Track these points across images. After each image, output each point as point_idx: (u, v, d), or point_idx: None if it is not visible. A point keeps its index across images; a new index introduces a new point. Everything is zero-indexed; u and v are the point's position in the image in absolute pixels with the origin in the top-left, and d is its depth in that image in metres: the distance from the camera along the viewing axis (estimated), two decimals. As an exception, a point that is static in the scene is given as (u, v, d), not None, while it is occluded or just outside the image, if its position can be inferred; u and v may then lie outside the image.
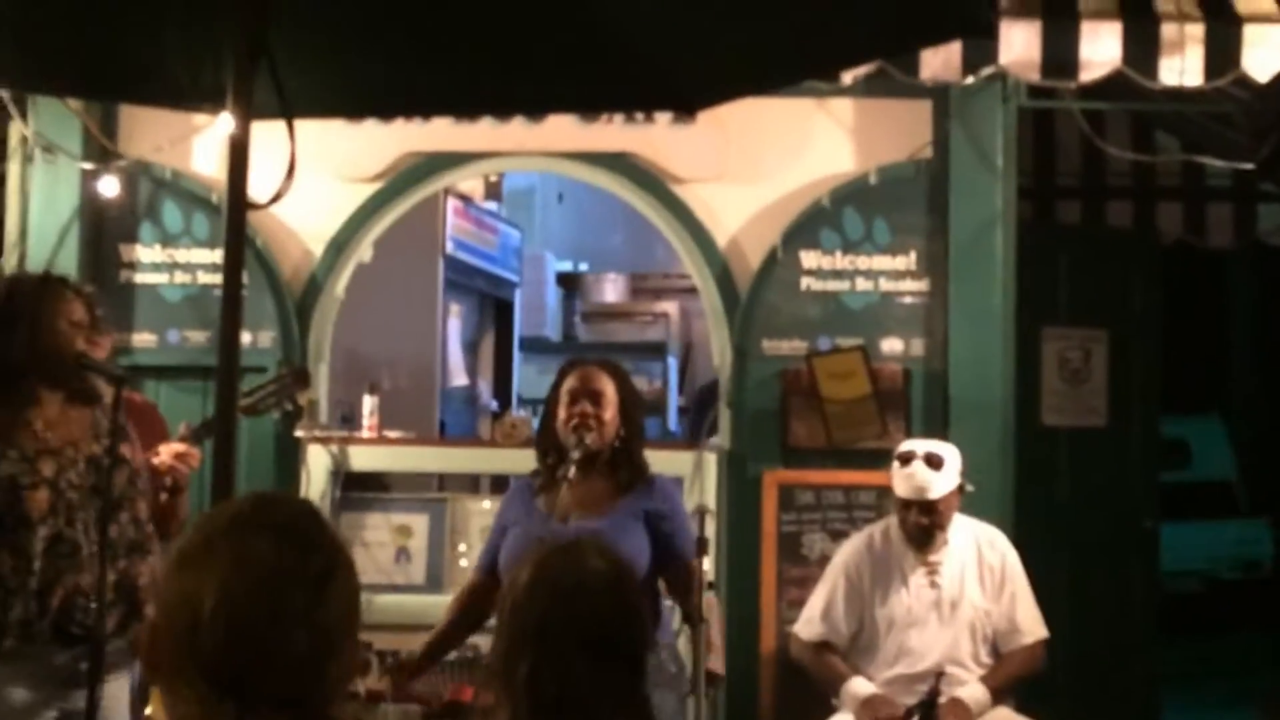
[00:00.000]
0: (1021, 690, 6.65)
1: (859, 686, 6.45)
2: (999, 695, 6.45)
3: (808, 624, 6.68)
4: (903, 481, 6.48)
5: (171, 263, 7.75)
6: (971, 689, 6.37)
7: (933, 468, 6.44)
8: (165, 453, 5.56)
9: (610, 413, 5.71)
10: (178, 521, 5.50)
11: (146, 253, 7.77)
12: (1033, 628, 6.59)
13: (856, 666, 6.54)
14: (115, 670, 5.19)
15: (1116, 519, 9.07)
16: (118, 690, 5.25)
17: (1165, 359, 9.52)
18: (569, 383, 5.77)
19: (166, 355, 7.68)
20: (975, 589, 6.55)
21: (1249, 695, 9.57)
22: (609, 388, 5.74)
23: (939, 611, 6.51)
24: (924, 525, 6.49)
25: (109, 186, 7.70)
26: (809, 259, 7.58)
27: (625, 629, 3.28)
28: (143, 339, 7.69)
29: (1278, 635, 8.74)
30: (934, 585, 6.53)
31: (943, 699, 6.18)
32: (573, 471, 5.55)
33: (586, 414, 5.67)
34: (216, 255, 7.32)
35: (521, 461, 7.29)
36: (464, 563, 7.44)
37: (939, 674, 6.16)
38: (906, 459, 6.50)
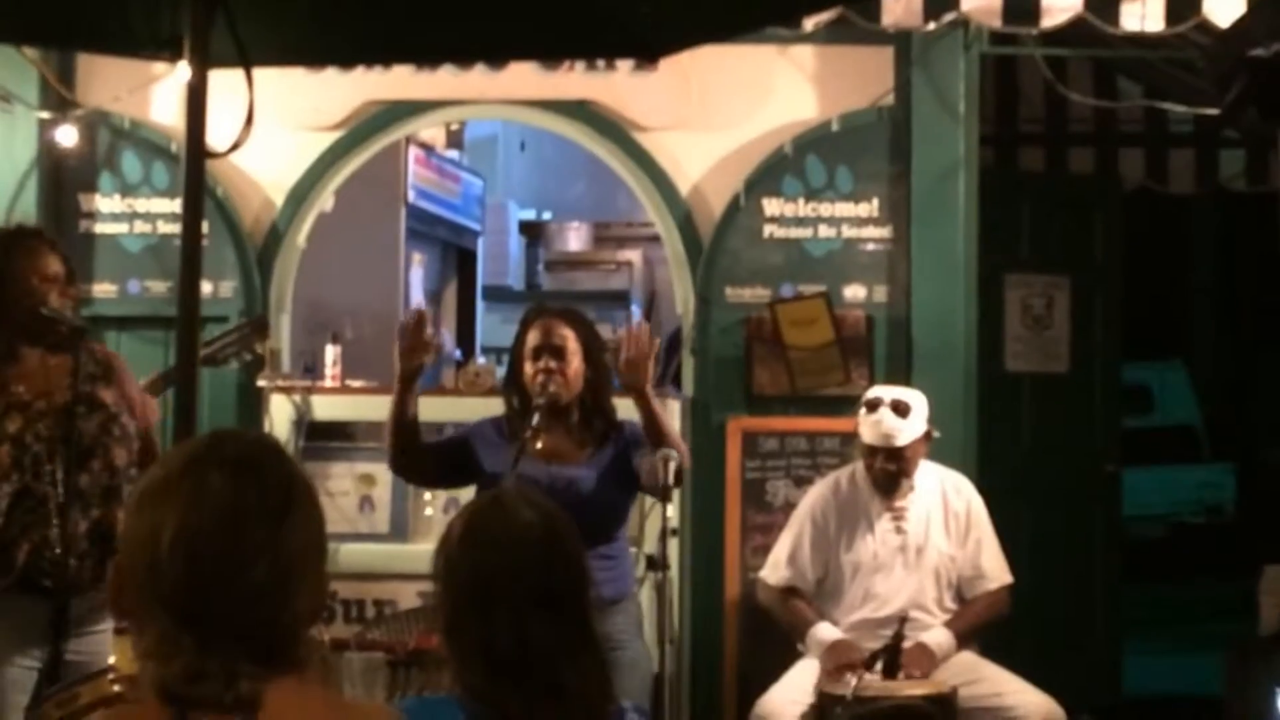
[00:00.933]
0: (984, 635, 6.68)
1: (824, 632, 6.47)
2: (963, 640, 6.49)
3: (774, 569, 6.70)
4: (869, 428, 6.49)
5: (131, 212, 7.70)
6: (936, 633, 6.40)
7: (899, 415, 6.45)
8: None
9: (574, 364, 5.71)
10: None
11: (106, 203, 7.72)
12: (997, 573, 6.63)
13: (822, 611, 6.56)
14: (96, 619, 5.19)
15: (1079, 464, 9.11)
16: (101, 638, 5.25)
17: (1127, 305, 9.55)
18: (531, 337, 5.76)
19: (127, 306, 7.64)
20: (940, 535, 6.57)
21: (1211, 640, 9.62)
22: (571, 338, 5.73)
23: (904, 557, 6.53)
24: (890, 472, 6.51)
25: (67, 136, 7.65)
26: (772, 206, 7.57)
27: (564, 575, 3.27)
28: (103, 289, 7.66)
29: (1240, 580, 8.77)
30: (900, 531, 6.55)
31: (907, 643, 6.21)
32: (536, 419, 5.55)
33: (550, 369, 5.67)
34: (176, 205, 7.28)
35: (485, 410, 7.28)
36: (428, 511, 7.44)
37: (903, 619, 6.20)
38: (873, 405, 6.51)
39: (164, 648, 2.21)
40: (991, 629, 6.71)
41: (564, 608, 3.23)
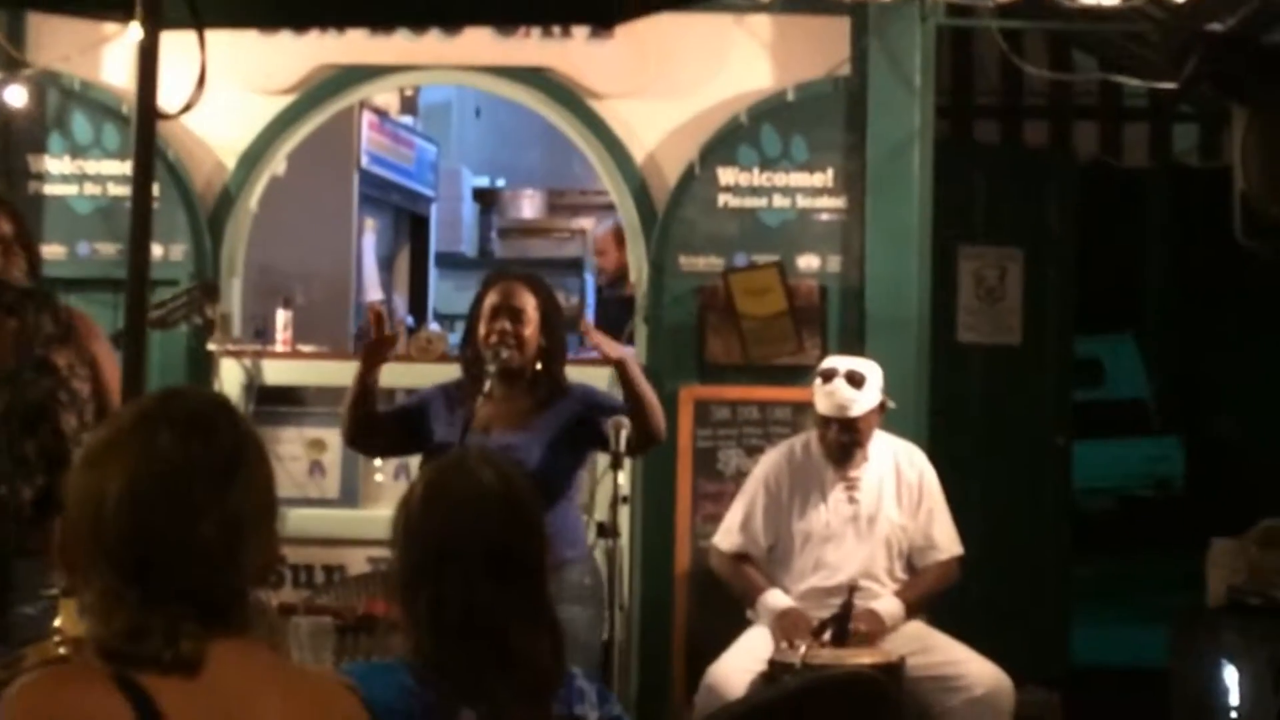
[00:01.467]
0: (935, 606, 6.71)
1: (775, 599, 6.48)
2: (913, 609, 6.52)
3: (726, 535, 6.71)
4: (824, 398, 6.50)
5: (81, 174, 7.65)
6: (886, 602, 6.42)
7: (854, 385, 6.46)
8: None
9: (530, 329, 5.70)
10: None
11: (55, 164, 7.66)
12: (948, 544, 6.65)
13: (773, 578, 6.58)
14: (43, 583, 5.15)
15: (1030, 436, 9.14)
16: (47, 602, 5.22)
17: (1080, 278, 9.57)
18: (491, 297, 5.76)
19: (76, 268, 7.59)
20: (892, 505, 6.59)
21: (1159, 612, 9.67)
22: (530, 304, 5.72)
23: (856, 526, 6.55)
24: (844, 443, 6.52)
25: (16, 96, 7.58)
26: (726, 175, 7.56)
27: (521, 540, 3.27)
28: (52, 251, 7.58)
29: (1189, 552, 8.82)
30: (852, 500, 6.56)
31: (857, 612, 6.23)
32: (488, 385, 5.55)
33: (505, 331, 5.66)
34: (127, 167, 7.22)
35: (436, 376, 7.27)
36: (378, 477, 7.43)
37: (852, 587, 6.22)
38: (828, 376, 6.52)
39: (106, 603, 2.21)
40: (941, 599, 6.75)
41: (518, 573, 3.22)
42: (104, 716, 2.13)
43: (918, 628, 6.53)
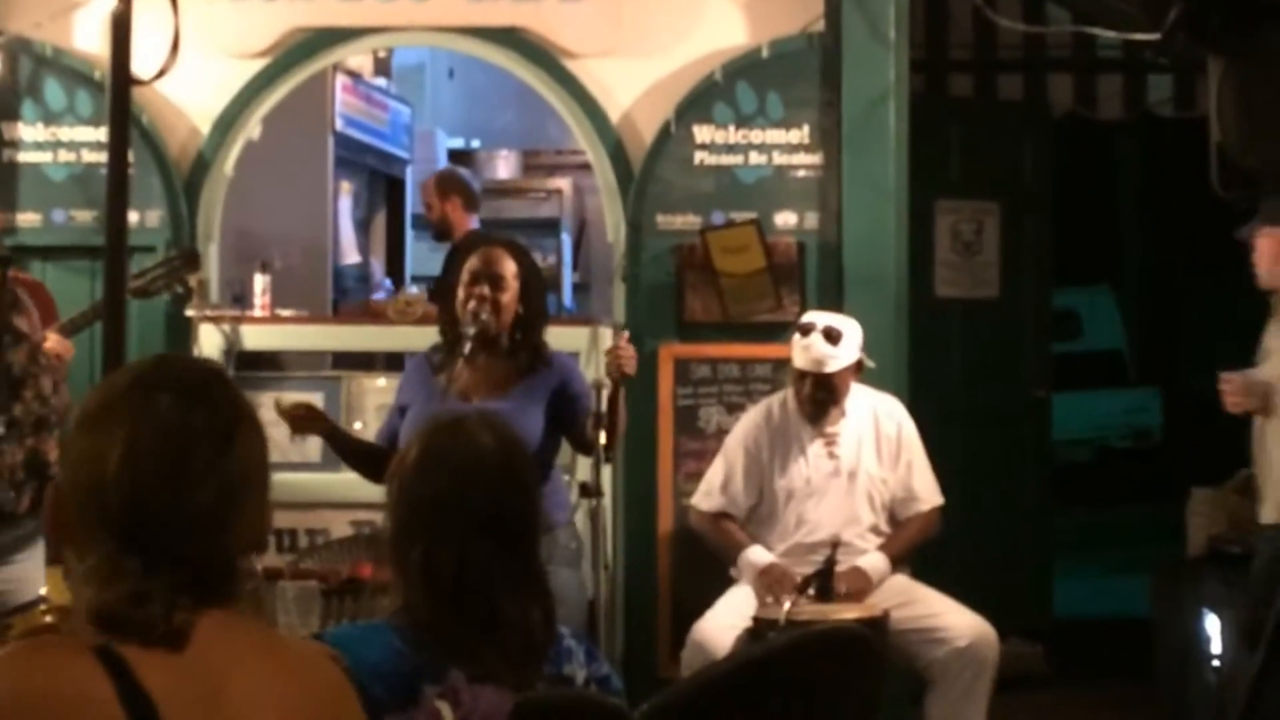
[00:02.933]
0: (916, 558, 6.75)
1: (756, 555, 6.50)
2: (897, 562, 6.54)
3: (706, 495, 6.72)
4: (800, 353, 6.51)
5: (55, 141, 7.61)
6: (870, 557, 6.44)
7: (831, 341, 6.47)
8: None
9: (509, 296, 5.69)
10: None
11: (29, 131, 7.62)
12: (928, 495, 6.67)
13: (755, 536, 6.59)
14: (24, 547, 5.17)
15: (1009, 389, 9.17)
16: (29, 566, 5.23)
17: (1056, 230, 9.59)
18: (471, 262, 5.75)
19: (52, 235, 7.56)
20: (872, 458, 6.60)
21: (1139, 562, 9.72)
22: (510, 270, 5.71)
23: (837, 481, 6.56)
24: (819, 399, 6.53)
25: (-11, 64, 7.55)
26: (702, 133, 7.55)
27: (516, 505, 3.27)
28: (27, 218, 7.57)
29: (1166, 503, 8.88)
30: (832, 456, 6.58)
31: (841, 567, 6.25)
32: (468, 348, 5.54)
33: (484, 296, 5.66)
34: (101, 133, 7.18)
35: (415, 338, 7.28)
36: (359, 441, 7.42)
37: (835, 543, 6.23)
38: (806, 330, 6.53)
39: (106, 572, 2.20)
40: (924, 552, 6.77)
41: (510, 536, 3.23)
42: (84, 690, 2.12)
43: (901, 581, 6.56)
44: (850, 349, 6.52)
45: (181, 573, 2.20)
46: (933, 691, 6.34)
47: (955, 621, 6.32)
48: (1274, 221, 6.35)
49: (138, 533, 2.21)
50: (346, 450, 5.90)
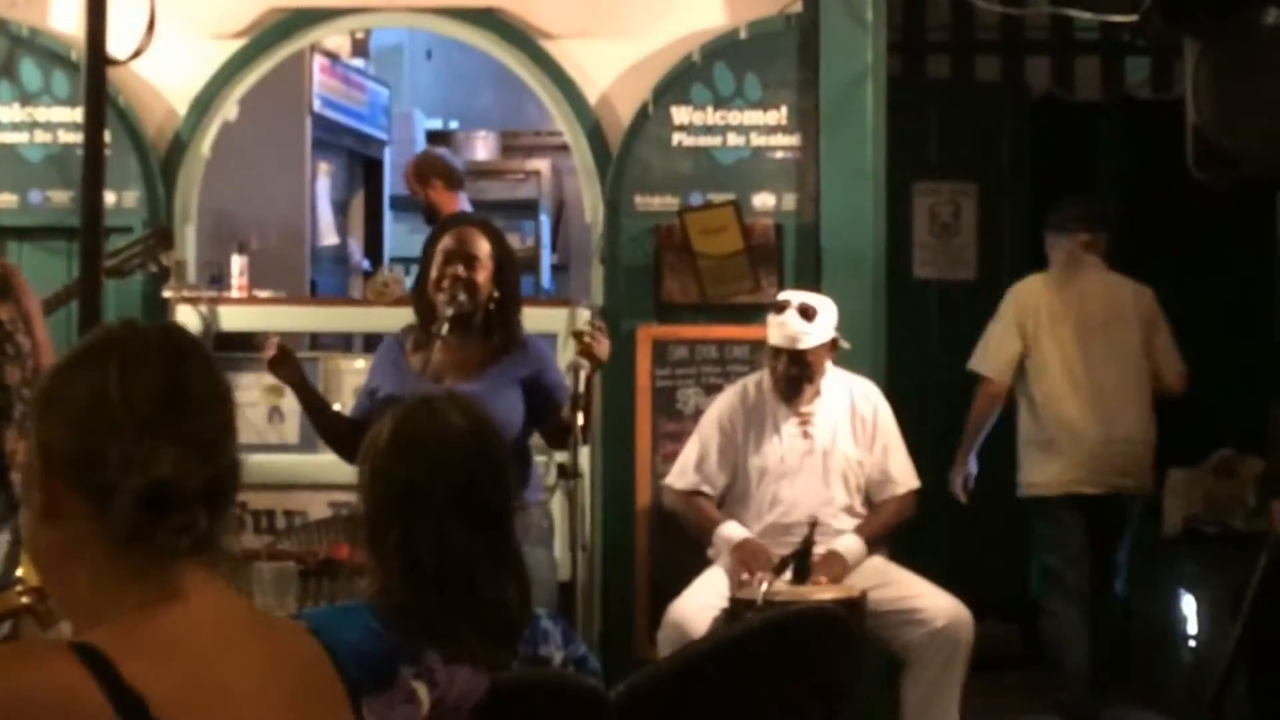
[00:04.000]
0: (893, 540, 6.76)
1: (731, 530, 6.51)
2: (873, 545, 6.55)
3: (680, 474, 6.74)
4: (775, 329, 6.52)
5: (31, 121, 7.59)
6: (846, 540, 6.45)
7: (806, 318, 6.48)
8: None
9: (484, 275, 5.69)
10: None
11: (5, 111, 7.59)
12: (904, 478, 6.69)
13: (731, 516, 6.60)
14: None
15: (986, 370, 9.17)
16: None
17: (1034, 212, 9.59)
18: (445, 242, 5.75)
19: (29, 216, 7.54)
20: (848, 440, 6.62)
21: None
22: (484, 250, 5.71)
23: (811, 461, 6.58)
24: (792, 375, 6.54)
25: (-36, 44, 7.52)
26: (680, 114, 7.55)
27: (490, 484, 3.28)
28: (3, 199, 7.55)
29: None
30: (806, 436, 6.59)
31: (818, 548, 6.25)
32: (444, 328, 5.54)
33: (458, 276, 5.65)
34: (77, 114, 7.13)
35: (393, 320, 7.25)
36: (337, 422, 7.42)
37: (813, 524, 6.23)
38: (781, 308, 6.55)
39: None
40: (901, 533, 6.79)
41: (485, 516, 3.23)
42: (69, 690, 2.10)
43: (877, 562, 6.58)
44: (825, 327, 6.54)
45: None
46: (909, 672, 6.36)
47: (931, 603, 6.34)
48: None
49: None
50: (315, 410, 5.89)
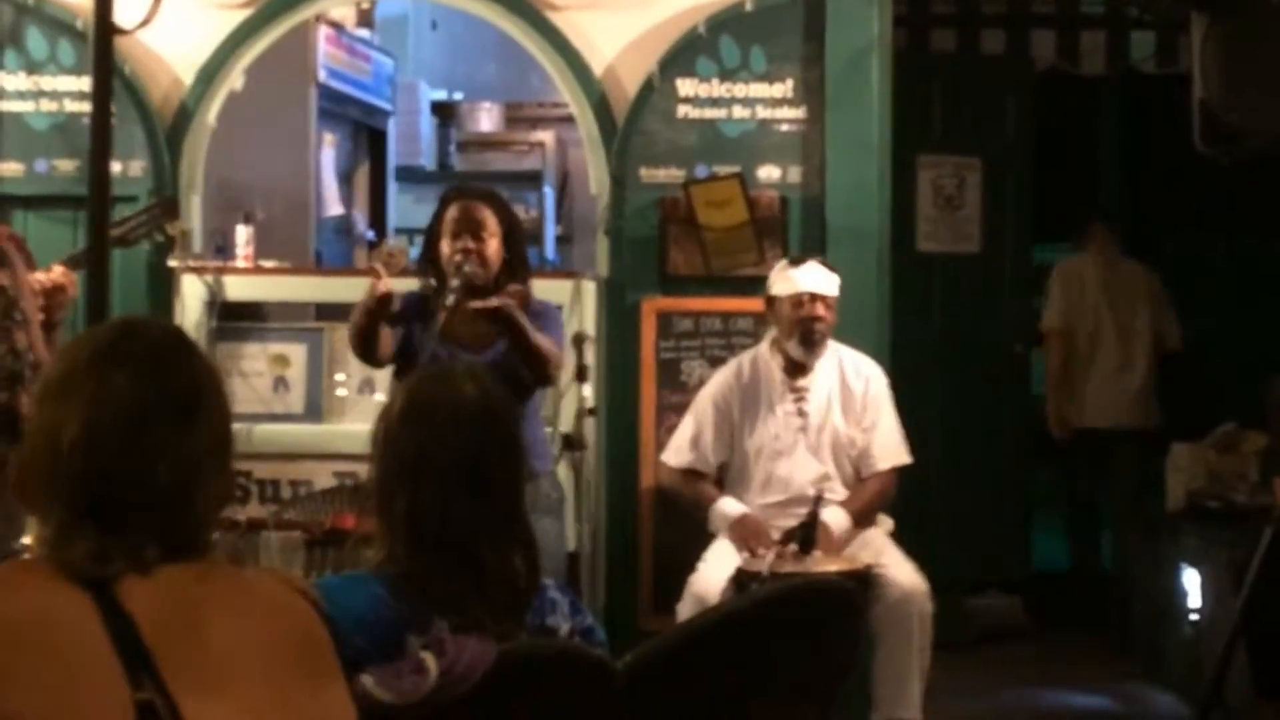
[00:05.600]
0: (896, 512, 6.74)
1: (728, 507, 6.51)
2: (859, 520, 6.49)
3: (676, 453, 6.74)
4: (805, 276, 6.53)
5: (37, 90, 7.58)
6: (834, 513, 6.41)
7: (826, 267, 6.57)
8: (45, 278, 5.51)
9: (493, 245, 5.70)
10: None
11: (11, 80, 7.59)
12: (889, 454, 6.62)
13: (730, 494, 6.60)
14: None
15: (989, 344, 9.20)
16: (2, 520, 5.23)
17: (1037, 186, 9.60)
18: (451, 213, 5.75)
19: (35, 185, 7.54)
20: (839, 414, 6.60)
21: (1118, 517, 9.76)
22: (491, 220, 5.72)
23: (805, 438, 6.57)
24: (818, 318, 6.51)
25: (-31, 13, 7.51)
26: (686, 87, 7.54)
27: (500, 456, 3.29)
28: (9, 168, 7.54)
29: (1147, 457, 8.96)
30: (801, 413, 6.59)
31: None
32: (451, 299, 5.55)
33: (469, 249, 5.67)
34: (84, 83, 7.16)
35: (398, 290, 7.25)
36: (341, 392, 7.43)
37: (818, 496, 6.21)
38: (798, 261, 6.60)
39: (65, 535, 2.21)
40: (904, 505, 6.77)
41: (494, 487, 3.24)
42: (68, 612, 2.13)
43: (876, 536, 6.53)
44: (837, 289, 6.59)
45: (145, 535, 2.21)
46: (877, 645, 6.26)
47: (893, 572, 6.25)
48: None
49: (94, 506, 2.21)
50: (374, 317, 5.73)
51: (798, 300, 6.56)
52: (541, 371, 5.63)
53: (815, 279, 6.55)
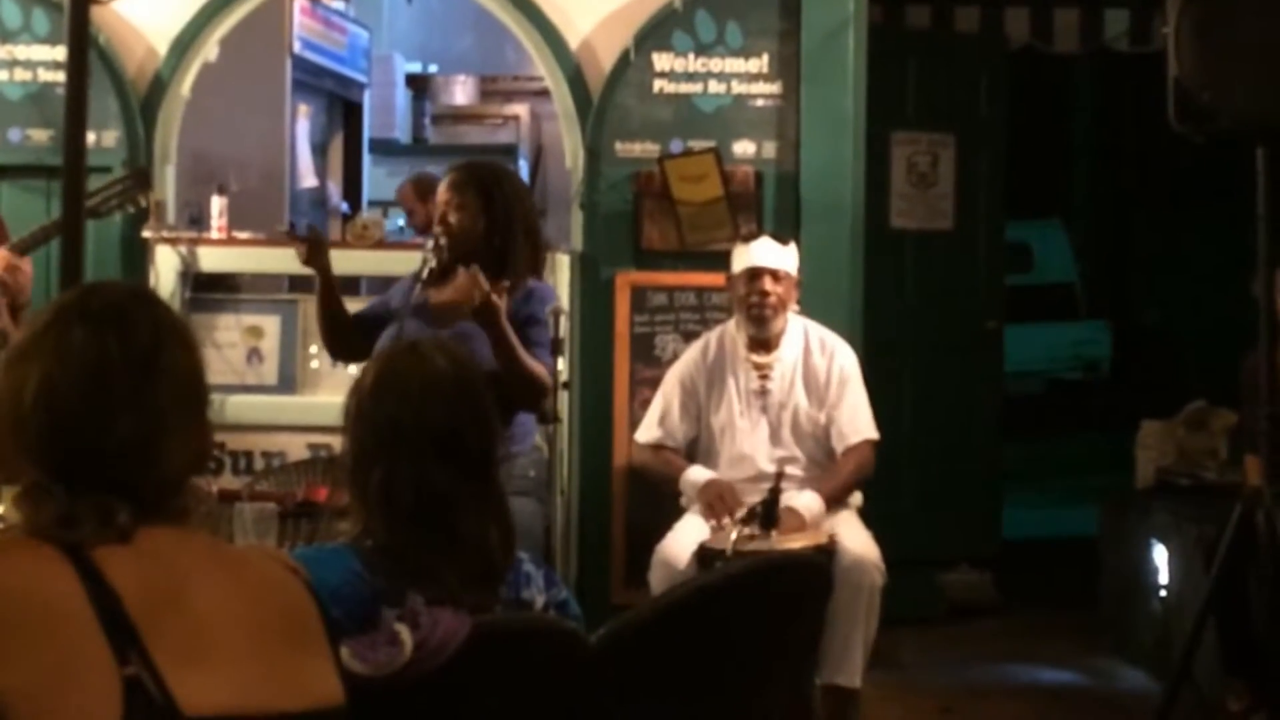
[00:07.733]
0: (867, 489, 6.72)
1: (696, 474, 6.48)
2: (831, 501, 6.46)
3: (646, 430, 6.74)
4: (752, 252, 6.49)
5: (11, 60, 7.56)
6: (805, 497, 6.34)
7: (780, 242, 6.53)
8: None
9: (455, 221, 5.68)
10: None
11: (-15, 50, 7.58)
12: (859, 430, 6.58)
13: (695, 466, 6.61)
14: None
15: (962, 320, 9.22)
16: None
17: (1010, 163, 9.62)
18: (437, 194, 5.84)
19: (8, 154, 7.53)
20: (802, 391, 6.58)
21: (1087, 493, 9.81)
22: (450, 200, 5.71)
23: (768, 415, 6.55)
24: (765, 293, 6.45)
25: (-57, -18, 7.49)
26: (661, 61, 7.55)
27: (473, 428, 3.30)
28: (-18, 138, 7.54)
29: (1115, 434, 8.98)
30: (764, 391, 6.57)
31: (784, 496, 6.19)
32: (426, 273, 5.56)
33: (436, 235, 5.69)
34: (57, 52, 7.15)
35: (373, 263, 7.29)
36: (314, 364, 7.43)
37: (779, 473, 6.18)
38: (749, 237, 6.60)
39: (34, 496, 2.22)
40: (875, 480, 6.74)
41: (467, 458, 3.25)
42: (52, 586, 2.14)
43: (847, 518, 6.49)
44: (794, 260, 6.55)
45: (115, 495, 2.22)
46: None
47: (850, 542, 6.22)
48: None
49: (60, 464, 2.23)
50: (329, 305, 5.86)
51: (747, 275, 6.53)
52: (523, 393, 5.41)
53: (765, 254, 6.50)
